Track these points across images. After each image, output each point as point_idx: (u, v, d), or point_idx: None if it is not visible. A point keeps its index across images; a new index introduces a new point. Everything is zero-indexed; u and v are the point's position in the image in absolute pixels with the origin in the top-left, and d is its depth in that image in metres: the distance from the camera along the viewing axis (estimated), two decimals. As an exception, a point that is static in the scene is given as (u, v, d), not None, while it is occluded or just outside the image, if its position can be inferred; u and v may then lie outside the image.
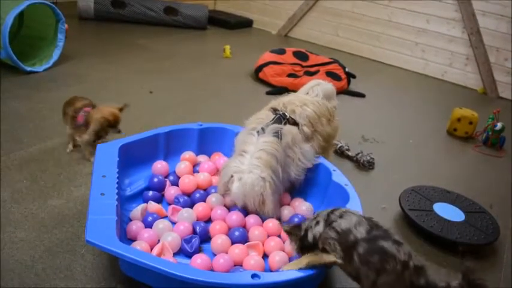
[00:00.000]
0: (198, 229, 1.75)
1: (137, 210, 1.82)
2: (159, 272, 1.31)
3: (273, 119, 2.02)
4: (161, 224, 1.74)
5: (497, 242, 2.07)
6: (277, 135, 1.93)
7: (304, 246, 1.44)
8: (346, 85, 3.93)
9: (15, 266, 1.55)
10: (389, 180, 2.54)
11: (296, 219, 1.86)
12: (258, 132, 1.94)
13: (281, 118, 2.03)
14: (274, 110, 2.09)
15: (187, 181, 2.02)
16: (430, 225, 2.05)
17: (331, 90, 2.36)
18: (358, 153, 2.68)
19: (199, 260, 1.56)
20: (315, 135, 2.13)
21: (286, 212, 1.94)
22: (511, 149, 3.23)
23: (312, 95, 2.29)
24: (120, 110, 2.23)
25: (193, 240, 1.69)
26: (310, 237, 1.41)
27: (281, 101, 2.18)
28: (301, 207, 1.98)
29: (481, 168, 2.92)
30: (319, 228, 1.40)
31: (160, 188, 2.00)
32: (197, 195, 1.97)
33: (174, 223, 1.81)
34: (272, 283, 1.35)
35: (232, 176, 1.83)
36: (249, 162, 1.84)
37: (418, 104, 3.96)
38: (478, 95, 4.49)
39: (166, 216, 1.87)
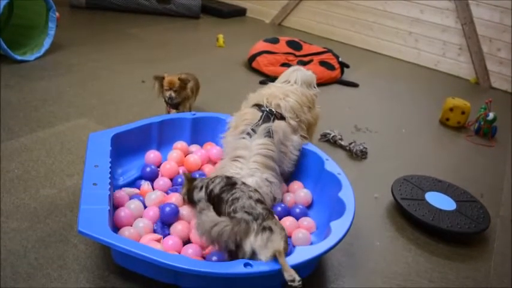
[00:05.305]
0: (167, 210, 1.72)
1: (124, 190, 1.84)
2: (152, 262, 1.31)
3: (261, 117, 2.00)
4: (132, 204, 1.74)
5: (488, 231, 2.09)
6: (269, 134, 1.93)
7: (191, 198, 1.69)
8: (339, 75, 3.93)
9: (8, 256, 1.55)
10: (382, 169, 2.56)
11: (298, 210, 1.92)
12: (249, 134, 1.94)
13: (269, 115, 2.02)
14: (259, 107, 2.07)
15: (169, 167, 2.03)
16: (422, 214, 2.06)
17: (310, 77, 2.32)
18: (351, 143, 2.68)
19: (171, 241, 1.60)
20: (300, 125, 2.13)
21: (289, 198, 1.98)
22: (502, 138, 3.25)
23: (292, 82, 2.27)
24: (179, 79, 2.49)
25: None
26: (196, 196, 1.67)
27: (263, 95, 2.15)
28: (300, 193, 2.00)
29: (473, 157, 2.94)
30: (202, 193, 1.65)
31: (152, 178, 2.00)
32: (179, 179, 1.98)
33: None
34: (264, 272, 1.35)
35: None
36: (247, 167, 1.83)
37: (411, 94, 3.96)
38: (470, 84, 4.50)
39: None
